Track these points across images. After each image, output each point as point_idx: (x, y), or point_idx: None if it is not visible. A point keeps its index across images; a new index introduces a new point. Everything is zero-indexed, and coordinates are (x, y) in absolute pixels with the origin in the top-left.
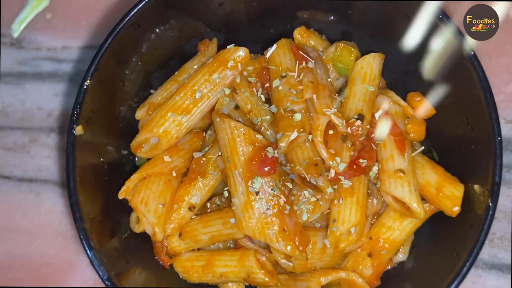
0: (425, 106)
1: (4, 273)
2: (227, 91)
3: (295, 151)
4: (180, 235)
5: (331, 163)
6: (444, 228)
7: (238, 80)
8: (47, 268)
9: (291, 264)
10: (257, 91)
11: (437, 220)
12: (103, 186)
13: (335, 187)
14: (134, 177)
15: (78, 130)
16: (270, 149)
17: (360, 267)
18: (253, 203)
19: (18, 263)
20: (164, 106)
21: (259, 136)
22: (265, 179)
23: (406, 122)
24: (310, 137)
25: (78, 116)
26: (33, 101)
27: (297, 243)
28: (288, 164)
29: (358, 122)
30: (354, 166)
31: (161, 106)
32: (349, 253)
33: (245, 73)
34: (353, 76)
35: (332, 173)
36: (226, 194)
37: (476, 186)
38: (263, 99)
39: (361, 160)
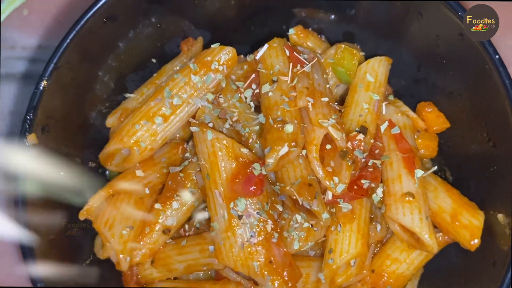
0: (437, 118)
1: None
2: (211, 97)
3: (286, 168)
4: (152, 262)
5: (327, 183)
6: (460, 262)
7: (223, 85)
8: None
9: None
10: (246, 98)
11: (452, 249)
12: (63, 204)
13: (333, 210)
14: (99, 195)
15: (31, 139)
16: (256, 165)
17: None
18: (235, 228)
19: None
20: (137, 113)
21: (244, 150)
22: (250, 200)
23: (416, 136)
24: (304, 152)
25: (32, 123)
26: (4, 104)
27: (286, 278)
28: (278, 183)
29: (360, 136)
30: (355, 187)
31: (134, 112)
32: None
33: (232, 76)
34: (356, 82)
35: (329, 195)
36: (207, 215)
37: (500, 216)
38: (253, 106)
39: (363, 181)
